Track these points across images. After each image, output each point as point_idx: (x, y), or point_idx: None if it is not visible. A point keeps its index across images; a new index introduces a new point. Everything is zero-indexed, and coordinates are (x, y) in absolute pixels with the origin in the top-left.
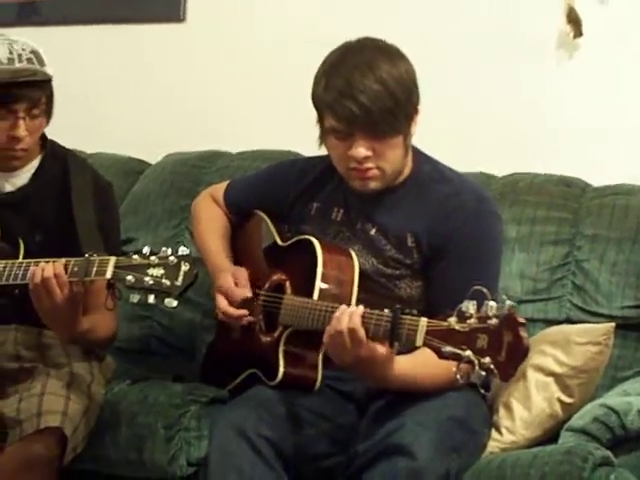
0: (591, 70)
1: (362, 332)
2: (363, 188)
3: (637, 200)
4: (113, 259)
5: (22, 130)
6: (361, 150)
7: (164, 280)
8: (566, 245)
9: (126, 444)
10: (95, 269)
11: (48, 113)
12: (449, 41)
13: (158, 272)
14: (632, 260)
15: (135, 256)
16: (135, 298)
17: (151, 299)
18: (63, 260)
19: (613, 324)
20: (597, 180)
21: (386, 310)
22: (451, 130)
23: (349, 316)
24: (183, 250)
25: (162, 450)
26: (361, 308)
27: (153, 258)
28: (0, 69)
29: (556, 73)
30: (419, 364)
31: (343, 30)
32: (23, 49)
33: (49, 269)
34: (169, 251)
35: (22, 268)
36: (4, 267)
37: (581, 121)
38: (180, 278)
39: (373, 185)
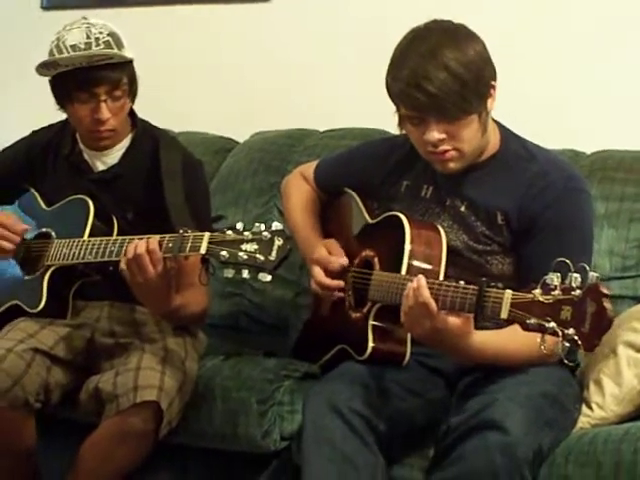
0: None
1: (432, 304)
2: (444, 169)
3: None
4: (207, 235)
5: (105, 112)
6: (435, 134)
7: (258, 255)
8: None
9: (220, 419)
10: (189, 245)
11: (132, 93)
12: (545, 19)
13: (252, 247)
14: None
15: (229, 232)
16: (229, 273)
17: (245, 274)
18: (157, 237)
19: None
20: None
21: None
22: (540, 107)
23: (415, 290)
24: (277, 225)
25: (256, 424)
26: (423, 279)
27: (247, 233)
28: (78, 55)
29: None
30: (501, 336)
31: (427, 6)
32: (101, 32)
33: (142, 245)
34: (262, 226)
35: (117, 245)
36: (99, 244)
37: None
38: (274, 253)
39: (453, 165)
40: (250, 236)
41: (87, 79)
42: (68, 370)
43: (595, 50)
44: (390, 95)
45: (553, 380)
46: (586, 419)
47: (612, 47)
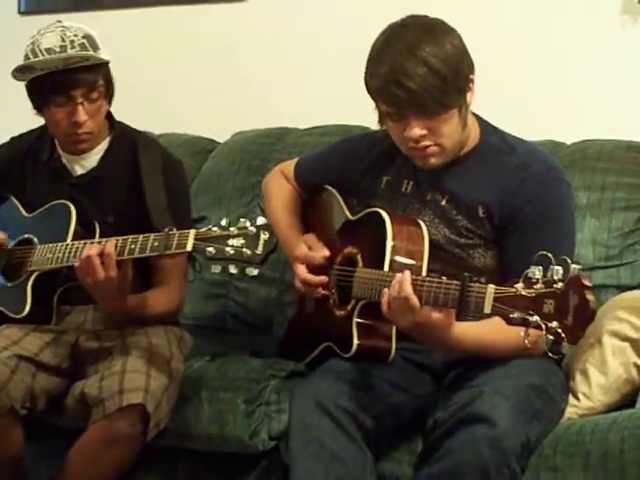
0: None
1: (414, 299)
2: (425, 165)
3: None
4: (193, 232)
5: (82, 115)
6: (415, 130)
7: (245, 249)
8: (637, 210)
9: (208, 420)
10: (175, 242)
11: (108, 95)
12: (517, 7)
13: (238, 242)
14: None
15: (214, 228)
16: (217, 269)
17: (232, 269)
18: (113, 240)
19: None
20: None
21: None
22: (519, 98)
23: (399, 284)
24: (261, 220)
25: (243, 425)
26: (408, 273)
27: (232, 229)
28: (53, 58)
29: (621, 37)
30: (482, 328)
31: (405, 3)
32: (75, 34)
33: (94, 248)
34: (247, 222)
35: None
36: (82, 248)
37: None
38: (260, 247)
39: (434, 161)
40: (236, 231)
41: (63, 82)
42: (54, 376)
43: (573, 41)
44: (369, 92)
45: (539, 371)
46: (573, 409)
47: (590, 38)
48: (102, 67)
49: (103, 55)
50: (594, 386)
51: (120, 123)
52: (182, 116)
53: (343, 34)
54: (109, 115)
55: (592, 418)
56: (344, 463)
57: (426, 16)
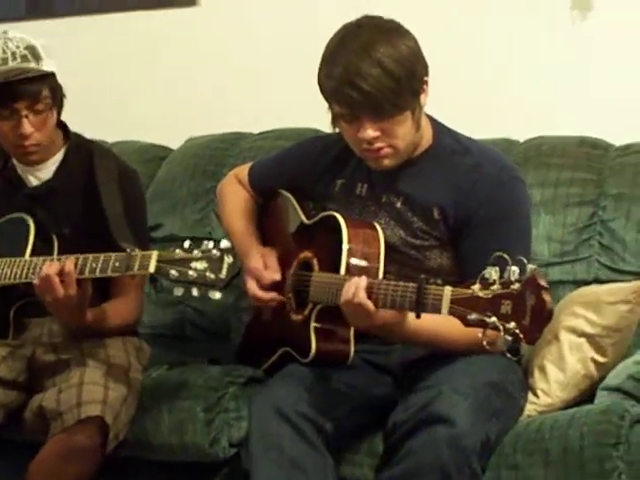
0: (605, 31)
1: (369, 305)
2: (378, 167)
3: None
4: (155, 254)
5: (27, 127)
6: (369, 132)
7: (208, 273)
8: (591, 206)
9: (167, 429)
10: (137, 264)
11: (56, 106)
12: (464, 7)
13: (202, 265)
14: None
15: (178, 250)
16: (179, 292)
17: (195, 292)
18: (73, 258)
19: None
20: (619, 139)
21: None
22: (472, 99)
23: (355, 288)
24: (225, 244)
25: (203, 433)
26: (364, 280)
27: (196, 252)
28: None
29: (571, 33)
30: (441, 320)
31: (356, 3)
32: (17, 46)
33: (53, 267)
34: (211, 244)
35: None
36: (42, 264)
37: (598, 82)
38: (224, 271)
39: (387, 162)
40: (199, 254)
41: (5, 95)
42: (10, 390)
43: (523, 38)
44: (323, 93)
45: (497, 369)
46: (532, 406)
47: (540, 34)
48: (47, 78)
49: (47, 66)
50: (552, 382)
51: (75, 134)
52: (135, 124)
53: (295, 37)
54: (63, 126)
55: (551, 415)
56: (304, 470)
57: (381, 17)
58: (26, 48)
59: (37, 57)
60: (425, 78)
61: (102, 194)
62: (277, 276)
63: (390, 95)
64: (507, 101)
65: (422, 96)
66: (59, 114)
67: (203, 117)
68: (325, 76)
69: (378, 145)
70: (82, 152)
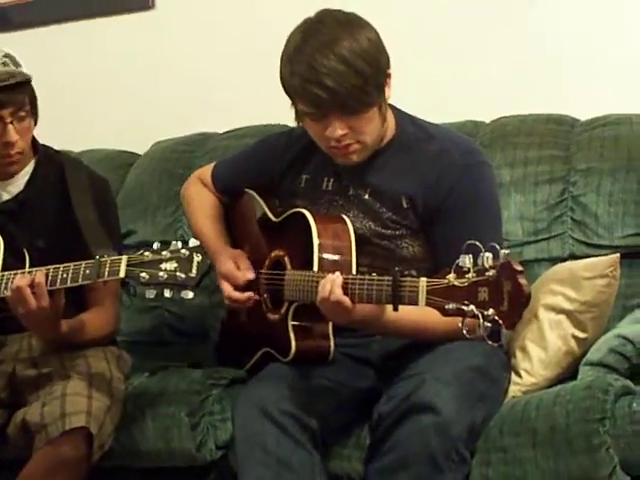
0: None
1: (346, 301)
2: (346, 162)
3: (626, 129)
4: (125, 258)
5: (13, 134)
6: (338, 131)
7: (178, 273)
8: (561, 182)
9: (153, 436)
10: (108, 270)
11: (34, 114)
12: None
13: (171, 266)
14: (628, 188)
15: (147, 253)
16: (151, 294)
17: (167, 293)
18: (44, 269)
19: (618, 255)
20: (584, 114)
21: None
22: (434, 83)
23: (330, 286)
24: (193, 242)
25: (189, 437)
26: (340, 277)
27: (165, 253)
28: None
29: (530, 11)
30: (419, 310)
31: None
32: None
33: (24, 279)
34: (179, 244)
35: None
36: (1, 279)
37: (561, 56)
38: (194, 270)
39: (356, 158)
40: (168, 255)
41: None
42: None
43: (482, 19)
44: (287, 91)
45: (479, 353)
46: (516, 387)
47: (498, 13)
48: (26, 85)
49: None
50: (535, 362)
51: (43, 146)
52: (99, 132)
53: (253, 35)
54: (32, 137)
55: (536, 394)
56: (292, 468)
57: (340, 10)
58: (5, 56)
59: (17, 64)
60: (388, 71)
61: (75, 204)
62: (251, 275)
63: (357, 92)
64: (470, 83)
65: (386, 89)
66: (36, 123)
67: (168, 121)
68: (289, 74)
69: (346, 142)
70: (52, 164)
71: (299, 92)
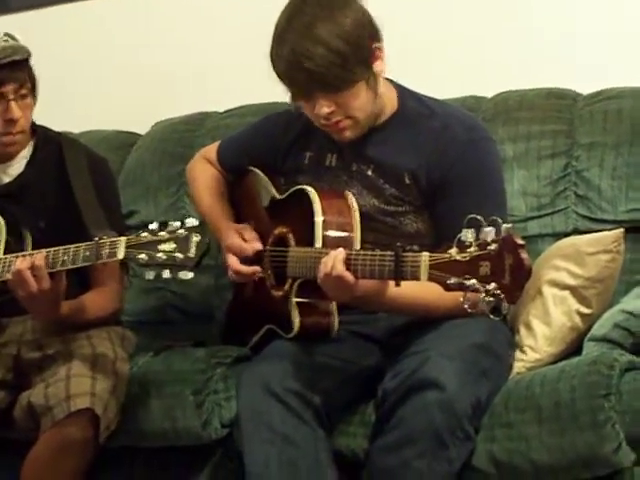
0: None
1: (348, 276)
2: (341, 139)
3: (628, 102)
4: (123, 239)
5: (16, 111)
6: (324, 109)
7: (177, 254)
8: (564, 157)
9: (158, 415)
10: (106, 251)
11: (34, 92)
12: None
13: (170, 247)
14: (631, 162)
15: (145, 234)
16: (150, 275)
17: (166, 274)
18: (44, 252)
19: (622, 229)
20: (586, 88)
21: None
22: (435, 58)
23: (332, 262)
24: (191, 221)
25: (194, 416)
26: (342, 252)
27: (163, 233)
28: None
29: None
30: (422, 287)
31: None
32: None
33: (25, 262)
34: (178, 224)
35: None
36: (2, 262)
37: (562, 30)
38: (192, 250)
39: (349, 134)
40: (166, 235)
41: None
42: None
43: None
44: (276, 73)
45: (483, 329)
46: (521, 363)
47: None
48: (27, 63)
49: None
50: (539, 338)
51: (41, 127)
52: (100, 113)
53: (252, 13)
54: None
55: (540, 370)
56: (296, 445)
57: None
58: (5, 34)
59: (17, 41)
60: (375, 45)
61: (74, 185)
62: (258, 246)
63: (337, 71)
64: (472, 58)
65: (377, 63)
66: (35, 101)
67: (168, 100)
68: (276, 56)
69: (336, 119)
70: (51, 145)
71: (283, 76)
